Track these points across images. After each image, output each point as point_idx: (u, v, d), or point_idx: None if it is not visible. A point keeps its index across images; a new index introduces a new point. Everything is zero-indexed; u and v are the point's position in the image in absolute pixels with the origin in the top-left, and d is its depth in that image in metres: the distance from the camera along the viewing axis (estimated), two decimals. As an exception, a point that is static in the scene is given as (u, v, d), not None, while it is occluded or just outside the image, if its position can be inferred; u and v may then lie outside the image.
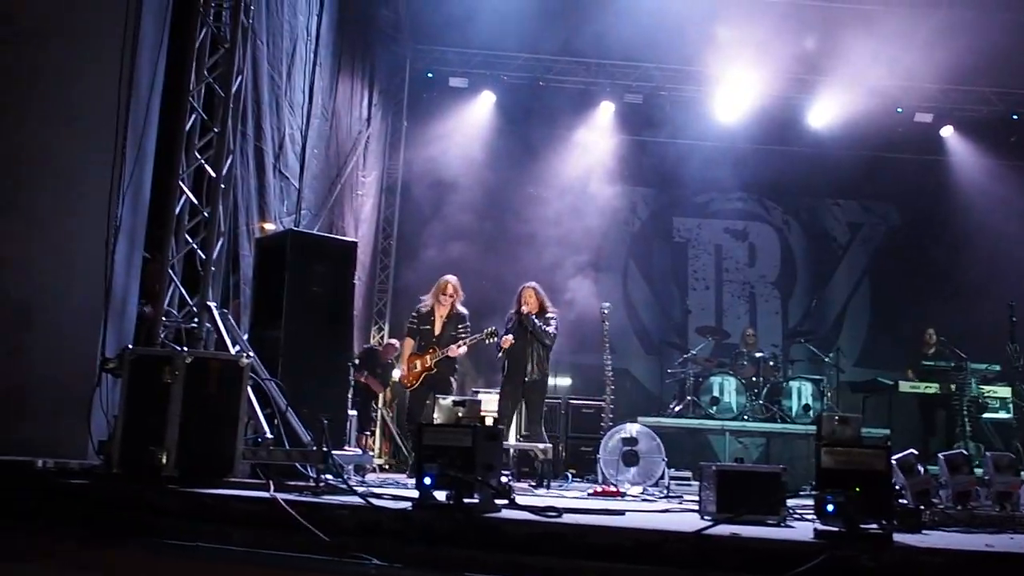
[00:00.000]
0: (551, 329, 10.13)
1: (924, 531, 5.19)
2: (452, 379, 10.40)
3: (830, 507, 4.46)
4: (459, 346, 10.29)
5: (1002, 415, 11.40)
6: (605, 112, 15.60)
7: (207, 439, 5.95)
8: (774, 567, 4.31)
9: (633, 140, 15.44)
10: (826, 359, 12.93)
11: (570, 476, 10.17)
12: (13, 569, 4.70)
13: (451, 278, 10.59)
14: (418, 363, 10.32)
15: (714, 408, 12.04)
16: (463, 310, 10.55)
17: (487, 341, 10.26)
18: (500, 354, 10.27)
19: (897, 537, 4.39)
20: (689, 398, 12.32)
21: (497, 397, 10.49)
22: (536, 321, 10.05)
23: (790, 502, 5.71)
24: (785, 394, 12.28)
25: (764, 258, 16.33)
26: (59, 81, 6.82)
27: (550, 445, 9.69)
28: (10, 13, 6.67)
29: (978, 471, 6.01)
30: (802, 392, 12.23)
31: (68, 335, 6.57)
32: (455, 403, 5.86)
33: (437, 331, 10.44)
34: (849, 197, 16.33)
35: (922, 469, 5.94)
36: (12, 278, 6.59)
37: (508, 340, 10.16)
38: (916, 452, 6.01)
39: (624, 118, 15.56)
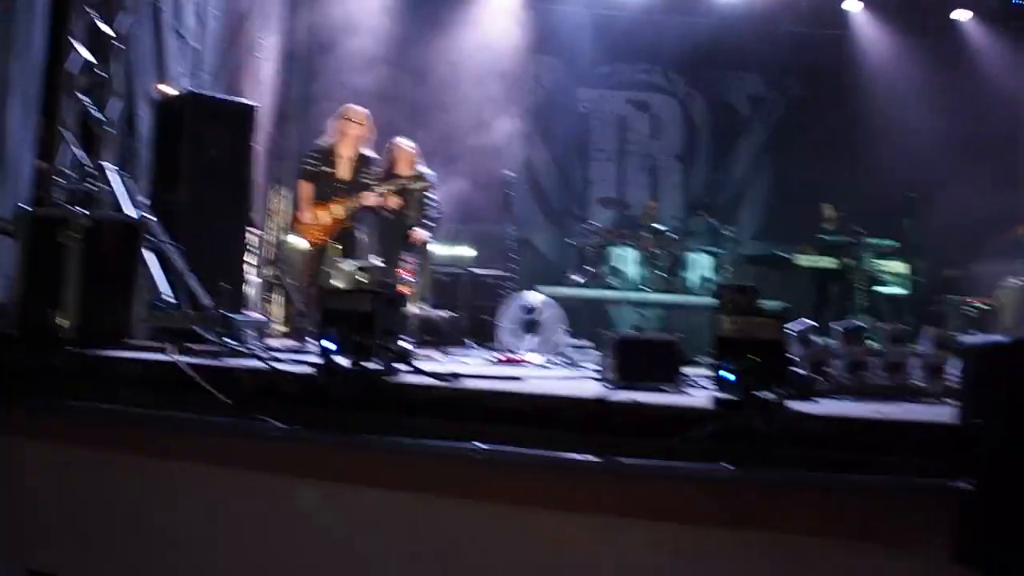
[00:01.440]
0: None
1: (817, 399, 5.37)
2: (356, 233, 9.40)
3: (726, 374, 4.58)
4: (381, 194, 9.16)
5: (896, 290, 11.74)
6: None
7: (106, 301, 5.91)
8: (672, 431, 4.44)
9: (539, 7, 15.21)
10: (725, 232, 13.13)
11: (471, 344, 10.24)
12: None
13: (360, 108, 9.29)
14: (324, 215, 9.09)
15: (615, 279, 12.20)
16: (372, 153, 9.37)
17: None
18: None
19: (790, 404, 4.53)
20: (589, 268, 12.45)
21: None
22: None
23: (687, 370, 5.85)
24: (685, 266, 12.48)
25: (667, 130, 16.38)
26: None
27: (452, 313, 9.75)
28: None
29: (871, 343, 6.20)
30: (701, 264, 12.44)
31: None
32: (359, 269, 5.85)
33: (343, 174, 9.17)
34: (752, 71, 16.37)
35: (820, 340, 6.12)
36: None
37: (371, 198, 9.14)
38: (812, 323, 6.17)
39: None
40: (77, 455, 5.11)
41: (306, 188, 9.16)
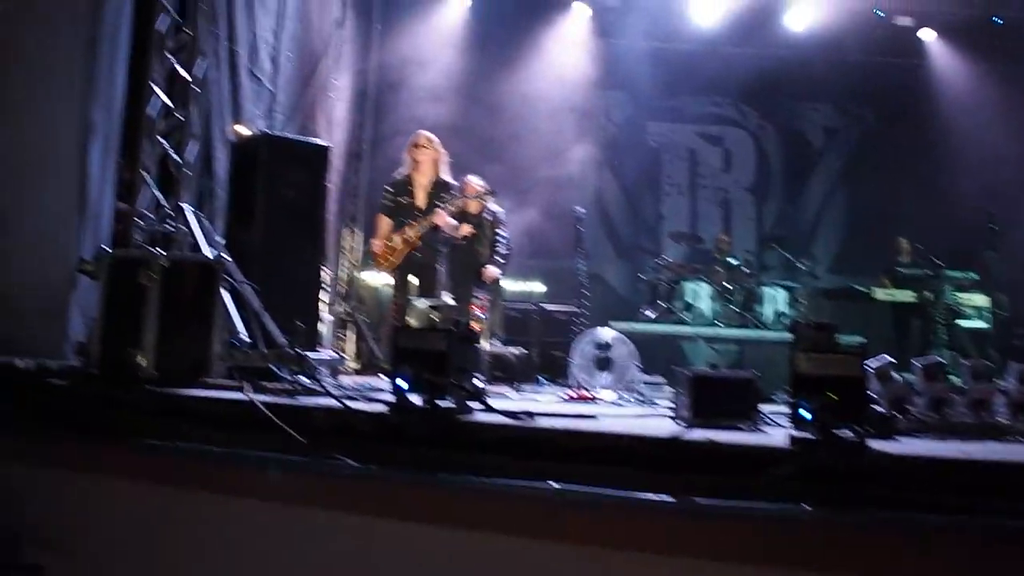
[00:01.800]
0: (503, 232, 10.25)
1: (898, 438, 5.26)
2: (437, 267, 8.99)
3: (804, 413, 4.50)
4: (444, 209, 8.73)
5: (978, 324, 11.49)
6: (580, 15, 15.38)
7: (184, 341, 5.99)
8: (749, 471, 4.37)
9: (608, 43, 15.23)
10: (800, 265, 12.99)
11: (543, 380, 10.22)
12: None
13: (425, 132, 9.04)
14: (397, 239, 8.78)
15: (688, 314, 12.11)
16: (450, 180, 9.00)
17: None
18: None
19: (871, 443, 4.44)
20: (662, 304, 12.38)
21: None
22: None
23: (763, 408, 5.77)
24: (759, 300, 12.36)
25: (739, 163, 16.26)
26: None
27: (523, 350, 9.75)
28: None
29: (953, 379, 6.07)
30: (776, 299, 12.31)
31: (45, 238, 6.58)
32: (431, 307, 5.87)
33: (420, 202, 8.84)
34: (825, 101, 16.21)
35: (897, 377, 6.00)
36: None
37: (442, 216, 8.77)
38: (891, 359, 6.06)
39: (600, 21, 15.34)
40: (155, 492, 5.16)
41: (384, 223, 8.96)
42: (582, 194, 14.68)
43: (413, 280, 8.92)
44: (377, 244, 8.88)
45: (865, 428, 4.46)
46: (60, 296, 6.15)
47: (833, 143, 16.19)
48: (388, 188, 8.98)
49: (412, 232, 8.66)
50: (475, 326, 9.86)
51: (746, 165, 16.22)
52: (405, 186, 8.83)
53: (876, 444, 4.44)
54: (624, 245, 15.73)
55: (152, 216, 7.19)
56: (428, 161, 8.78)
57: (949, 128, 14.19)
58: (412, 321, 6.15)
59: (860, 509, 4.12)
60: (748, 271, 12.79)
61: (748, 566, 4.16)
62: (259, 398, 5.39)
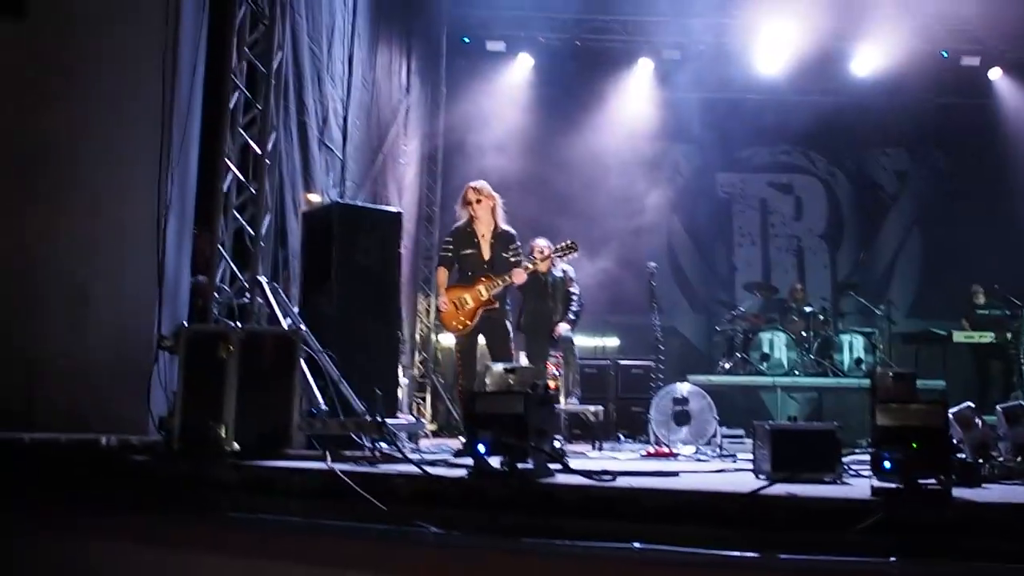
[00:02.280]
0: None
1: (984, 485, 5.16)
2: (508, 323, 8.53)
3: (887, 464, 4.44)
4: (527, 268, 8.33)
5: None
6: (644, 68, 15.47)
7: (264, 412, 6.04)
8: (832, 525, 4.31)
9: (674, 95, 15.29)
10: (877, 311, 12.85)
11: (622, 438, 10.19)
12: (85, 546, 4.80)
13: (476, 181, 8.67)
14: (468, 297, 8.24)
15: (765, 364, 12.01)
16: (510, 228, 8.58)
17: (565, 257, 8.74)
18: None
19: (956, 492, 4.37)
20: (739, 355, 12.30)
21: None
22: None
23: (846, 458, 5.69)
24: (836, 348, 12.23)
25: (810, 211, 16.18)
26: (106, 65, 6.94)
27: (601, 407, 9.74)
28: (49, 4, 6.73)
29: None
30: (854, 345, 12.17)
31: (124, 313, 6.71)
32: (506, 370, 5.90)
33: (486, 254, 8.39)
34: (896, 145, 16.10)
35: (980, 422, 5.89)
36: (69, 258, 6.75)
37: (522, 275, 8.31)
38: (973, 405, 5.96)
39: (664, 73, 15.41)
40: (240, 565, 5.21)
41: (442, 274, 8.59)
42: (654, 247, 14.71)
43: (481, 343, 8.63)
44: (444, 303, 8.42)
45: (949, 477, 4.39)
46: (141, 371, 6.25)
47: (905, 187, 16.03)
48: (448, 239, 8.65)
49: (485, 290, 8.20)
50: (551, 385, 9.90)
51: (818, 212, 16.13)
52: (469, 237, 8.42)
53: (961, 493, 4.36)
54: (698, 298, 15.67)
55: (228, 289, 7.32)
56: (485, 210, 8.42)
57: (1020, 166, 13.97)
58: (488, 383, 6.17)
59: (948, 560, 4.04)
60: (824, 319, 12.66)
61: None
62: (339, 467, 5.43)
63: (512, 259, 8.33)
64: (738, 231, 16.07)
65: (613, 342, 13.57)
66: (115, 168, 6.85)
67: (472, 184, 8.53)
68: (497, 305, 8.25)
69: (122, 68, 6.93)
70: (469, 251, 8.37)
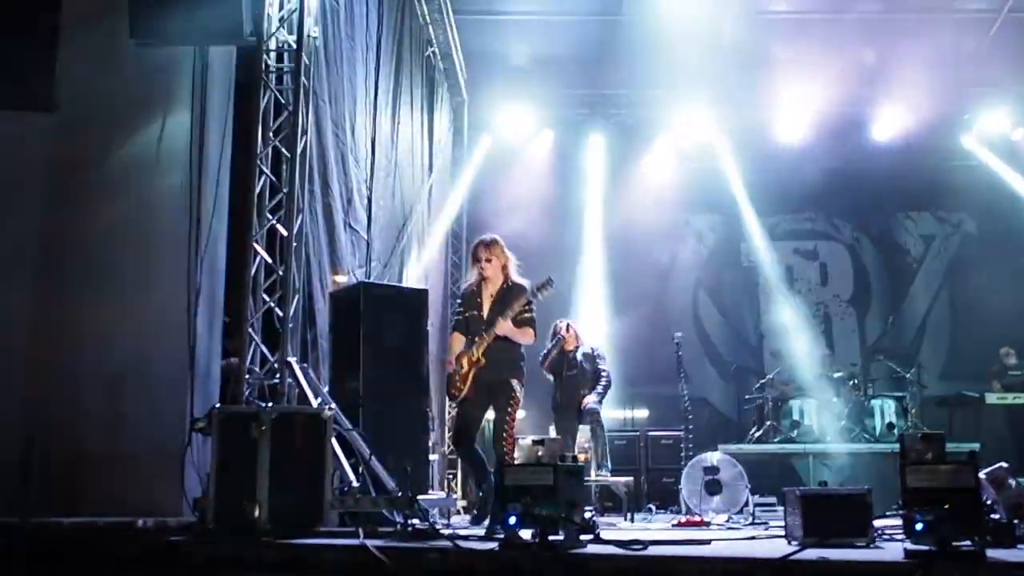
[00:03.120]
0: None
1: (1019, 546, 5.13)
2: (514, 382, 7.69)
3: (919, 526, 4.44)
4: (506, 317, 7.57)
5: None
6: (666, 141, 15.60)
7: (296, 491, 6.07)
8: (867, 589, 4.31)
9: (696, 168, 15.40)
10: (907, 375, 12.80)
11: (653, 508, 10.15)
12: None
13: (487, 236, 8.05)
14: (464, 361, 7.73)
15: (795, 432, 11.96)
16: (522, 280, 7.86)
17: (540, 296, 7.66)
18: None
19: (991, 553, 4.36)
20: (769, 422, 12.25)
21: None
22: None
23: (879, 523, 5.68)
24: (868, 413, 12.17)
25: (836, 276, 16.19)
26: (136, 157, 7.08)
27: (631, 479, 9.73)
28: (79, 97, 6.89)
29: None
30: (885, 410, 12.11)
31: (158, 399, 6.78)
32: (534, 442, 5.93)
33: (486, 313, 7.81)
34: (921, 209, 16.15)
35: (1014, 482, 5.87)
36: (102, 351, 6.82)
37: (505, 326, 7.54)
38: (1007, 465, 5.94)
39: (686, 146, 15.51)
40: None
41: (456, 340, 8.01)
42: (681, 317, 14.76)
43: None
44: (449, 367, 7.96)
45: (983, 537, 4.37)
46: (175, 455, 6.32)
47: (931, 250, 16.04)
48: (458, 302, 8.28)
49: (477, 349, 7.63)
50: (581, 458, 9.92)
51: (844, 277, 16.14)
52: (474, 298, 7.91)
53: (996, 553, 4.35)
54: (726, 366, 15.62)
55: (259, 370, 7.39)
56: (496, 268, 7.81)
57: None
58: (517, 457, 6.21)
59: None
60: (854, 384, 12.62)
61: None
62: (372, 543, 5.45)
63: (519, 316, 7.63)
64: (764, 299, 16.05)
65: (643, 413, 13.57)
66: (146, 260, 6.96)
67: (482, 238, 8.01)
68: (487, 363, 7.57)
69: (152, 159, 7.09)
70: (475, 313, 7.87)
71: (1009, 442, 11.73)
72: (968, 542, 4.36)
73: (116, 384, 6.78)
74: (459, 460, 10.70)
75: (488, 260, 7.78)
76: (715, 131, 15.19)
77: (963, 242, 15.80)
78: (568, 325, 10.40)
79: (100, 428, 6.68)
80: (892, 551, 4.83)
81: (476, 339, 7.67)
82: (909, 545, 4.53)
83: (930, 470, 4.61)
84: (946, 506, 4.39)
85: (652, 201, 15.10)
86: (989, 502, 5.54)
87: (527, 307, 7.66)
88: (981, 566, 4.19)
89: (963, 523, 4.37)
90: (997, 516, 5.44)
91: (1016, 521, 5.56)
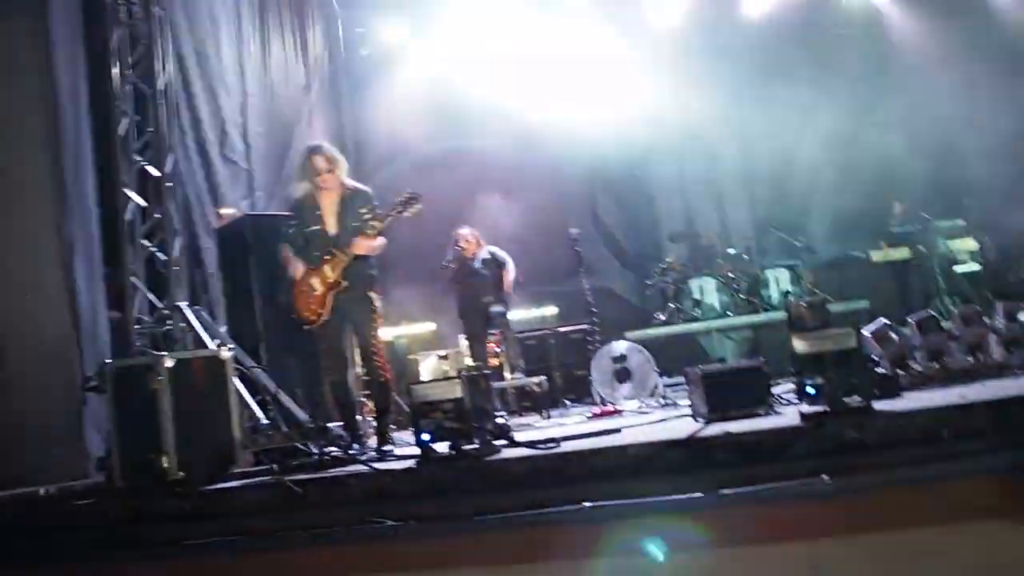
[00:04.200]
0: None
1: (903, 394, 5.33)
2: (372, 295, 7.12)
3: (810, 390, 4.60)
4: (370, 234, 6.93)
5: (972, 267, 11.53)
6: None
7: (204, 437, 6.04)
8: (767, 456, 4.44)
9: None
10: (797, 243, 13.05)
11: (568, 403, 10.29)
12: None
13: (321, 144, 7.35)
14: (316, 282, 6.99)
15: (697, 310, 12.15)
16: (361, 186, 7.30)
17: (407, 213, 6.94)
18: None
19: (878, 405, 4.52)
20: (672, 305, 12.42)
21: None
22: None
23: (777, 390, 5.85)
24: (764, 284, 12.39)
25: (724, 154, 16.25)
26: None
27: (544, 377, 9.83)
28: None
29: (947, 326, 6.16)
30: (779, 279, 12.34)
31: (45, 361, 6.62)
32: (439, 357, 5.95)
33: (331, 228, 7.07)
34: (798, 81, 16.18)
35: (895, 336, 6.07)
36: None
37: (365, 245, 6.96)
38: (887, 321, 6.13)
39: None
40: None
41: (285, 253, 7.19)
42: (581, 212, 14.80)
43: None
44: (295, 298, 7.13)
45: (870, 392, 4.54)
46: (72, 416, 6.20)
47: (811, 120, 16.20)
48: (290, 212, 7.36)
49: (333, 270, 6.96)
50: (495, 362, 10.01)
51: (731, 155, 16.22)
52: (312, 211, 7.12)
53: (882, 405, 4.52)
54: (627, 255, 15.72)
55: (149, 319, 7.25)
56: (335, 178, 7.10)
57: (915, 86, 14.18)
58: (422, 372, 6.24)
59: (876, 470, 4.18)
60: (749, 257, 12.84)
61: (780, 545, 4.21)
62: (289, 477, 5.47)
63: (361, 224, 7.02)
64: (656, 184, 16.11)
65: (552, 311, 13.61)
66: (11, 219, 6.72)
67: (319, 146, 7.27)
68: (349, 284, 6.97)
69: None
70: (313, 227, 7.10)
71: (895, 295, 12.07)
72: (857, 398, 4.53)
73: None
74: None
75: (330, 171, 7.06)
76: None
77: (840, 109, 15.93)
78: (469, 232, 10.34)
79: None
80: (790, 416, 4.98)
81: (328, 258, 6.97)
82: (804, 408, 4.68)
83: (816, 336, 4.75)
84: (833, 367, 4.54)
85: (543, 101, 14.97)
86: (875, 357, 5.75)
87: (373, 211, 7.07)
88: (868, 419, 4.35)
89: (850, 381, 4.53)
90: (882, 370, 5.65)
91: (900, 372, 5.78)
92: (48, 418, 6.42)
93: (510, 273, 10.50)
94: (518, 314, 11.70)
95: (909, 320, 6.18)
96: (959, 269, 11.43)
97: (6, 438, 6.34)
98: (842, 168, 15.28)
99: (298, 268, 7.06)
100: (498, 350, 10.36)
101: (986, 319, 6.15)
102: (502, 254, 10.65)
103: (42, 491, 5.88)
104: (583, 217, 14.63)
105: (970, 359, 5.96)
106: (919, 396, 5.23)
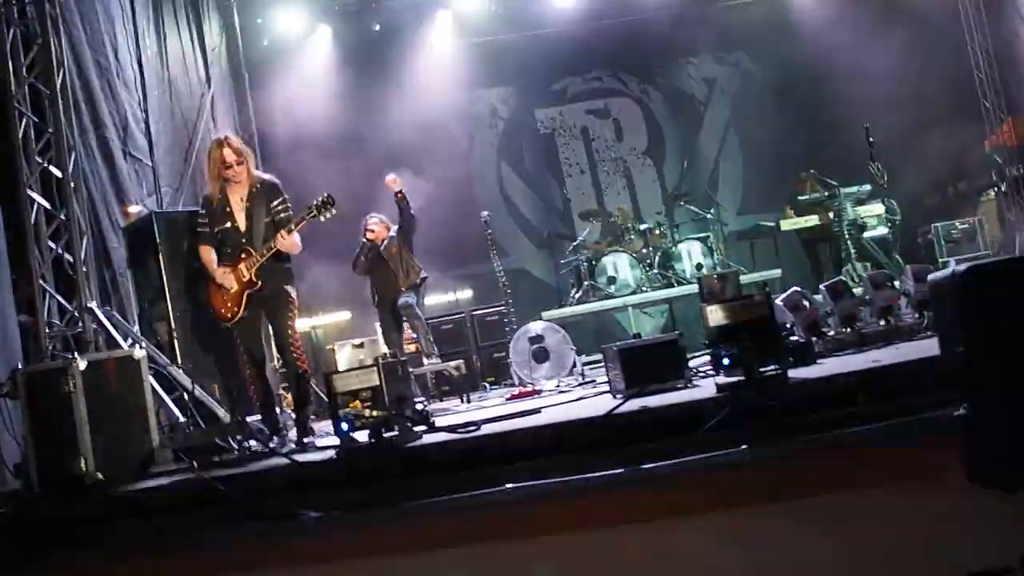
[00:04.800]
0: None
1: (819, 361, 5.44)
2: (287, 287, 7.05)
3: (725, 360, 4.66)
4: (288, 232, 6.78)
5: (881, 231, 11.78)
6: (444, 21, 15.38)
7: (121, 437, 5.98)
8: (685, 428, 4.51)
9: (479, 42, 15.29)
10: (708, 215, 13.21)
11: (487, 386, 10.32)
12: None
13: (227, 136, 7.20)
14: (231, 280, 6.88)
15: (612, 287, 12.24)
16: (270, 177, 7.22)
17: (322, 217, 6.80)
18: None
19: (793, 373, 4.61)
20: (587, 283, 12.50)
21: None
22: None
23: (694, 362, 5.93)
24: (676, 258, 12.52)
25: (630, 131, 16.39)
26: None
27: (462, 361, 9.83)
28: None
29: (859, 291, 6.29)
30: (691, 252, 12.48)
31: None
32: (354, 346, 5.94)
33: (242, 224, 6.96)
34: (700, 52, 16.41)
35: (808, 303, 6.19)
36: None
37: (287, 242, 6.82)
38: (800, 289, 6.25)
39: (465, 22, 15.35)
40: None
41: (208, 254, 7.05)
42: (489, 194, 14.83)
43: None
44: (211, 298, 7.07)
45: (785, 359, 4.63)
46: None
47: (715, 91, 16.42)
48: (201, 212, 7.18)
49: (248, 269, 6.85)
50: (412, 348, 9.97)
51: (637, 131, 16.36)
52: (223, 208, 7.00)
53: (798, 372, 4.60)
54: (538, 235, 15.77)
55: (59, 322, 7.11)
56: (244, 170, 6.98)
57: (816, 54, 14.42)
58: (340, 362, 6.21)
59: (793, 436, 4.27)
60: (660, 232, 12.95)
61: (703, 516, 4.26)
62: (208, 474, 5.42)
63: (278, 219, 6.94)
64: (565, 163, 16.21)
65: (467, 294, 13.61)
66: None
67: (225, 138, 7.11)
68: (262, 284, 6.86)
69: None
70: (225, 225, 6.98)
71: (806, 262, 12.29)
72: (773, 366, 4.61)
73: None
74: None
75: (240, 163, 6.92)
76: (489, 2, 15.02)
77: (743, 79, 16.19)
78: (377, 219, 10.23)
79: None
80: (706, 388, 5.06)
81: (243, 256, 6.87)
82: (720, 379, 4.75)
83: (728, 307, 4.82)
84: (747, 337, 4.61)
85: (442, 82, 14.96)
86: (789, 325, 5.85)
87: (284, 203, 7.01)
88: (784, 386, 4.43)
89: (765, 350, 4.61)
90: (796, 338, 5.76)
91: (814, 338, 5.90)
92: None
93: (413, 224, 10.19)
94: (436, 298, 11.70)
95: (821, 287, 6.31)
96: (869, 234, 11.65)
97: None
98: (748, 138, 15.56)
99: (214, 267, 6.94)
100: (415, 337, 10.31)
101: (896, 283, 6.30)
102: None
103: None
104: (493, 199, 14.69)
105: (882, 323, 6.11)
106: (833, 362, 5.34)
